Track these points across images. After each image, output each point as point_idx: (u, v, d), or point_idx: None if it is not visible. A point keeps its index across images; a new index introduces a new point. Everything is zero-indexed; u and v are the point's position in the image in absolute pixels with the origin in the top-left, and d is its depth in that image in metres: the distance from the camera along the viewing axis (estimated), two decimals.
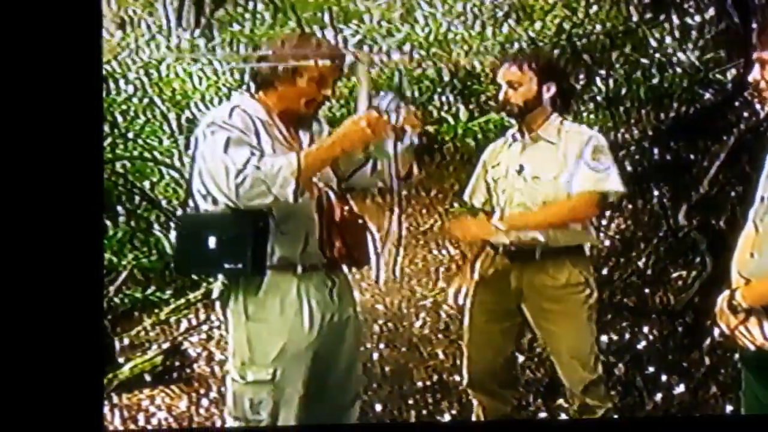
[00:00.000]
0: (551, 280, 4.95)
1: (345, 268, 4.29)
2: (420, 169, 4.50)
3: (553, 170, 4.92)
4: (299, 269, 4.05)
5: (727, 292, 3.38)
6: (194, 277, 7.32)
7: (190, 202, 4.09)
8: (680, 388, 6.12)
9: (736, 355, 3.98)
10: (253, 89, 4.17)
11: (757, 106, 7.83)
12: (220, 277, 4.12)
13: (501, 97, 5.02)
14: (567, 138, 4.95)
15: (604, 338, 6.67)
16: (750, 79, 3.37)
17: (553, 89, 4.96)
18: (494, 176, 5.12)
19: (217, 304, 4.19)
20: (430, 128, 9.33)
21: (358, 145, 4.01)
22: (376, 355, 7.19)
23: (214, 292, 4.20)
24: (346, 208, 4.20)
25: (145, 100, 9.83)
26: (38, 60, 3.19)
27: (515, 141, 5.09)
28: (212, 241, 3.94)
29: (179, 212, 4.94)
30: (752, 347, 3.31)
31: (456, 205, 8.37)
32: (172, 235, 7.34)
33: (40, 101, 3.18)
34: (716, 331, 3.27)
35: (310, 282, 4.08)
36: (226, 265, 4.01)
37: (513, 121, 5.24)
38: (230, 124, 3.91)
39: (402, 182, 4.08)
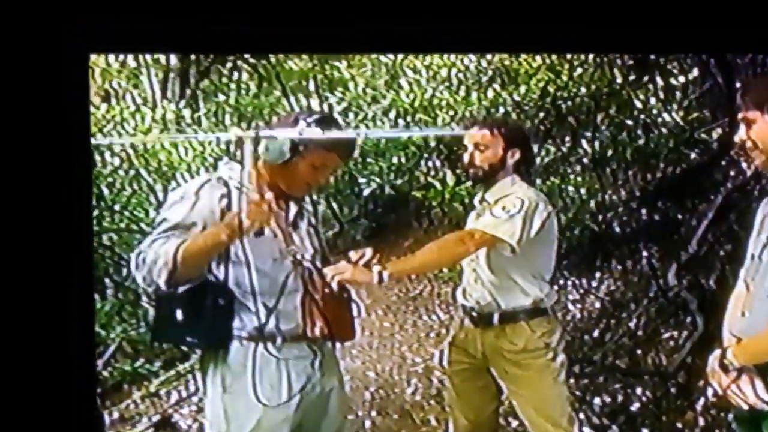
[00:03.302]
0: (509, 344, 4.89)
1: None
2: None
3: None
4: (278, 340, 3.94)
5: (718, 352, 3.37)
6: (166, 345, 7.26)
7: None
8: None
9: (730, 415, 3.96)
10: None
11: (743, 165, 7.87)
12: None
13: (466, 158, 4.97)
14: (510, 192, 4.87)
15: (597, 400, 6.66)
16: (736, 139, 3.37)
17: (518, 155, 4.91)
18: None
19: (198, 374, 4.14)
20: (417, 194, 9.35)
21: (258, 224, 3.74)
22: (368, 423, 7.15)
23: (196, 361, 4.15)
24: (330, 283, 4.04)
25: (131, 172, 9.84)
26: (24, 134, 3.18)
27: (474, 209, 5.08)
28: (179, 314, 3.88)
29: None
30: (745, 406, 3.30)
31: (445, 270, 8.35)
32: None
33: (26, 175, 3.17)
34: (710, 391, 3.24)
35: (290, 353, 3.97)
36: (187, 339, 4.02)
37: None
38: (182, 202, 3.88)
39: None
